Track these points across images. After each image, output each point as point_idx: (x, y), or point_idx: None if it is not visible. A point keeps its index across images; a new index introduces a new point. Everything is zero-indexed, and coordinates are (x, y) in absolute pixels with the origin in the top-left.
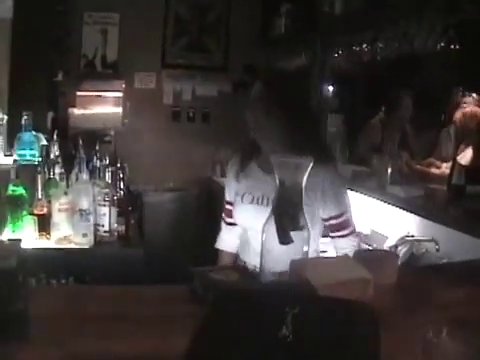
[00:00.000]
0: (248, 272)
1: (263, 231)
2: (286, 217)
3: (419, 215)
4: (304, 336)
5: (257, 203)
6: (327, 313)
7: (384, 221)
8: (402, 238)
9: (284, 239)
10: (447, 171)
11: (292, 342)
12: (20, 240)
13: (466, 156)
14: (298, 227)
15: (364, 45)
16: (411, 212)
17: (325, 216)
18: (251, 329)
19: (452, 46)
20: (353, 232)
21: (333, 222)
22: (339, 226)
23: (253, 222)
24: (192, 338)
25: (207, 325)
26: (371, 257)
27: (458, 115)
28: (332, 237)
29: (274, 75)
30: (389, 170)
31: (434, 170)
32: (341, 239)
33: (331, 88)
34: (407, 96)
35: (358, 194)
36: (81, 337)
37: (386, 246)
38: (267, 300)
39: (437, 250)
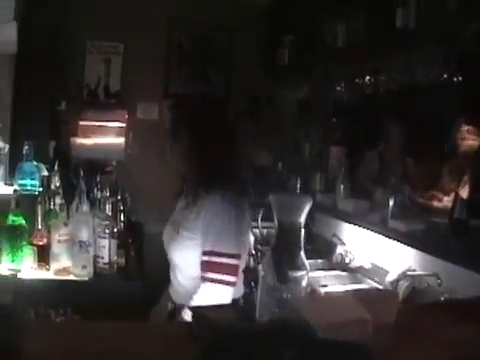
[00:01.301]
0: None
1: (261, 270)
2: (285, 256)
3: (421, 250)
4: None
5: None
6: (325, 356)
7: (385, 255)
8: (403, 273)
9: (282, 278)
10: (449, 204)
11: None
12: (17, 273)
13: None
14: (297, 266)
15: (367, 77)
16: (412, 247)
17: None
18: None
19: (454, 78)
20: (227, 283)
21: (203, 258)
22: (207, 266)
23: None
24: None
25: None
26: (371, 296)
27: (460, 147)
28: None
29: (184, 102)
30: (391, 204)
31: (436, 203)
32: (207, 284)
33: (333, 120)
34: (397, 127)
35: (359, 228)
36: None
37: (387, 281)
38: (264, 341)
39: (439, 285)
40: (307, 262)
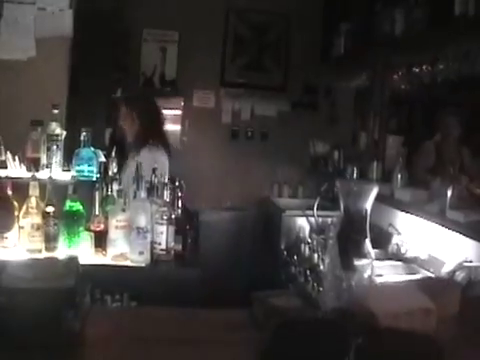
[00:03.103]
0: (309, 298)
1: (326, 257)
2: (350, 244)
3: (478, 241)
4: None
5: None
6: (391, 345)
7: (442, 246)
8: (460, 263)
9: (347, 266)
10: None
11: None
12: (77, 257)
13: None
14: (362, 254)
15: (424, 66)
16: (470, 238)
17: None
18: (314, 359)
19: None
20: None
21: None
22: None
23: None
24: None
25: (268, 354)
26: (434, 285)
27: None
28: None
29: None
30: (449, 194)
31: None
32: None
33: (391, 109)
34: (454, 117)
35: (416, 218)
36: None
37: (443, 271)
38: (330, 329)
39: None
40: (372, 251)
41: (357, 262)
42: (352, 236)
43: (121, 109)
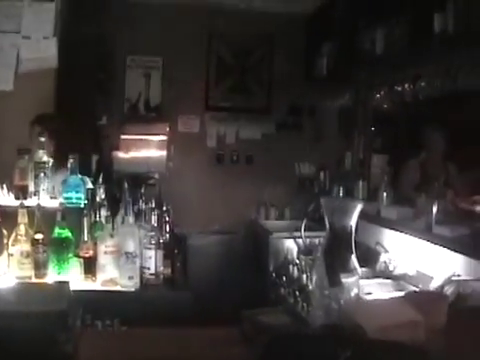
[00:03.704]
0: (297, 313)
1: (313, 274)
2: (336, 260)
3: (465, 255)
4: None
5: None
6: (378, 356)
7: (429, 261)
8: (448, 278)
9: (335, 282)
10: None
11: None
12: (68, 282)
13: None
14: (348, 270)
15: (406, 84)
16: (457, 252)
17: None
18: None
19: None
20: None
21: None
22: None
23: None
24: None
25: None
26: (421, 298)
27: None
28: None
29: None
30: (434, 210)
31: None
32: None
33: (374, 128)
34: (439, 134)
35: (403, 235)
36: None
37: (432, 287)
38: (319, 344)
39: None
40: (358, 267)
41: (344, 278)
42: (338, 252)
43: None
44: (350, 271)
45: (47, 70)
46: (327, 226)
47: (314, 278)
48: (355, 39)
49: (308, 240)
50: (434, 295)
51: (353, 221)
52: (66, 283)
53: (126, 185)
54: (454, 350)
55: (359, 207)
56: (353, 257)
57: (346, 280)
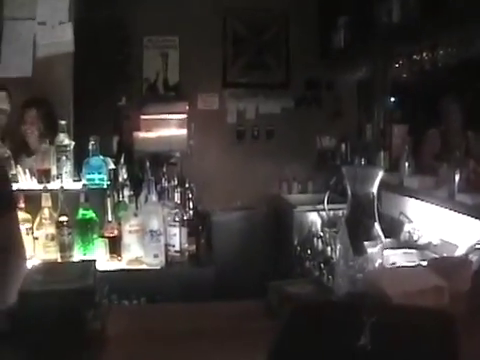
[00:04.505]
0: (322, 283)
1: (337, 242)
2: (360, 228)
3: None
4: (383, 344)
5: None
6: (404, 321)
7: (454, 230)
8: (472, 246)
9: (358, 250)
10: None
11: (371, 351)
12: (95, 260)
13: None
14: (372, 237)
15: (424, 54)
16: None
17: None
18: (329, 341)
19: None
20: None
21: None
22: None
23: None
24: (270, 351)
25: (285, 338)
26: (445, 264)
27: None
28: None
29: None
30: (456, 178)
31: None
32: None
33: (393, 99)
34: (457, 102)
35: (426, 204)
36: (160, 355)
37: (457, 255)
38: (344, 311)
39: None
40: (382, 234)
41: (368, 246)
42: (361, 220)
43: None
44: (374, 239)
45: (65, 55)
46: (349, 194)
47: (338, 247)
48: (370, 10)
49: (331, 212)
50: (457, 260)
51: (375, 188)
52: (92, 261)
53: (148, 164)
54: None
55: (380, 174)
56: (376, 225)
57: (370, 248)
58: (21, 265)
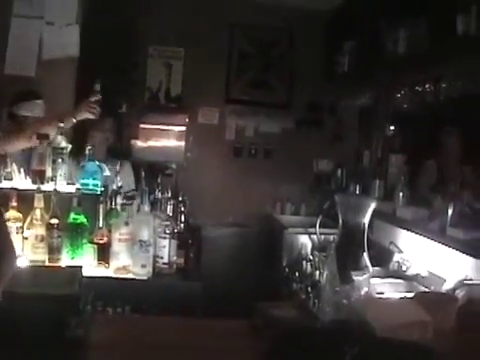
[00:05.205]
0: (308, 308)
1: (325, 270)
2: (348, 257)
3: (478, 258)
4: None
5: None
6: (386, 354)
7: (443, 263)
8: (460, 281)
9: (346, 278)
10: None
11: None
12: (81, 267)
13: None
14: (360, 267)
15: (427, 85)
16: (470, 255)
17: None
18: None
19: None
20: None
21: None
22: None
23: None
24: None
25: None
26: (430, 299)
27: None
28: None
29: None
30: (449, 212)
31: None
32: None
33: (394, 128)
34: (455, 135)
35: (417, 236)
36: None
37: (444, 289)
38: (327, 339)
39: None
40: (370, 265)
41: (355, 275)
42: (350, 250)
43: None
44: (361, 269)
45: (70, 60)
46: (340, 223)
47: (325, 274)
48: (377, 38)
49: (323, 237)
50: (443, 296)
51: (366, 219)
52: (78, 268)
53: (143, 174)
54: (463, 351)
55: (373, 205)
56: (365, 255)
57: (357, 277)
58: (8, 267)
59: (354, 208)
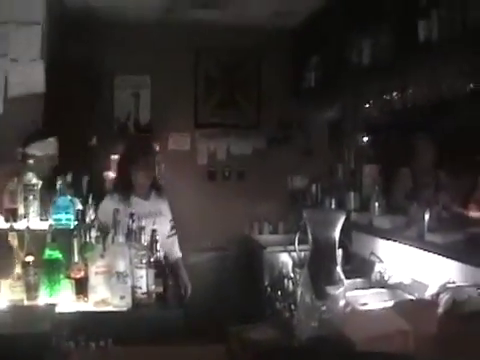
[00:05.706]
0: (285, 328)
1: (300, 286)
2: (321, 272)
3: (459, 261)
4: None
5: None
6: None
7: (424, 269)
8: (443, 285)
9: (320, 295)
10: None
11: None
12: (55, 305)
13: None
14: (334, 281)
15: (394, 93)
16: (451, 258)
17: None
18: None
19: None
20: None
21: None
22: None
23: None
24: None
25: None
26: (410, 307)
27: None
28: None
29: None
30: (426, 217)
31: (472, 213)
32: None
33: (365, 138)
34: (427, 141)
35: (396, 244)
36: None
37: (428, 295)
38: (305, 357)
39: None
40: (344, 278)
41: (330, 290)
42: (322, 264)
43: None
44: (336, 283)
45: (35, 97)
46: (310, 238)
47: (299, 291)
48: (341, 51)
49: (302, 253)
50: (423, 303)
51: (336, 233)
52: (52, 305)
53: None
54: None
55: (342, 218)
56: (338, 268)
57: (332, 292)
58: None
59: (323, 222)
